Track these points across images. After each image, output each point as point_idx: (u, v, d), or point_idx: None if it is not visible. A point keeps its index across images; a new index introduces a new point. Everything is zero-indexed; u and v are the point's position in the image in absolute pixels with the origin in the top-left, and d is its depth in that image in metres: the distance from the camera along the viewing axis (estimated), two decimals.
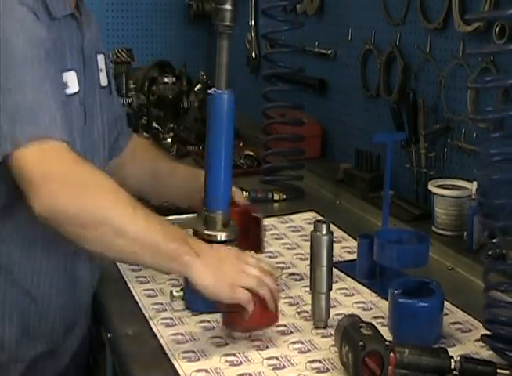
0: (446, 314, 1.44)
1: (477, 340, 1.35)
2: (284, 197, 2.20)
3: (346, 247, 1.83)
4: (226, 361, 1.30)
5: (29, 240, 1.38)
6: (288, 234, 1.92)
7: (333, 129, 2.57)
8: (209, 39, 3.58)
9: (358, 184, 2.22)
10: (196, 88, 2.89)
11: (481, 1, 1.77)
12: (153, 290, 1.59)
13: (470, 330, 1.41)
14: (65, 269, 1.43)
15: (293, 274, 1.67)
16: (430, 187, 1.87)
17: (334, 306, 1.49)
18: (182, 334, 1.39)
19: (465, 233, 1.74)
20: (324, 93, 2.60)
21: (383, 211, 1.74)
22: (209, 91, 1.47)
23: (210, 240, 1.43)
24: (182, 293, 1.48)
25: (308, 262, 1.44)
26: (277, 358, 1.31)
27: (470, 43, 1.86)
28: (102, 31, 1.61)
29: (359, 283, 1.62)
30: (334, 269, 1.52)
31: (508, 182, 1.27)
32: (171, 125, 2.80)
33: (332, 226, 1.44)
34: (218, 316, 1.45)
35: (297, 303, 1.52)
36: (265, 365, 1.29)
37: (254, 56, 3.09)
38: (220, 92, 1.45)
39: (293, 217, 2.03)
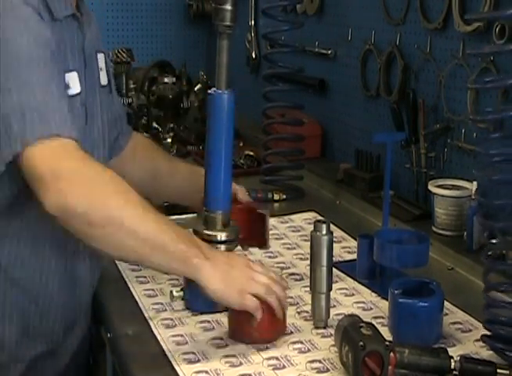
0: (446, 314, 1.44)
1: (477, 340, 1.35)
2: (284, 197, 2.20)
3: (346, 247, 1.83)
4: (226, 362, 1.30)
5: (32, 239, 1.37)
6: (288, 234, 1.92)
7: (333, 129, 2.57)
8: (209, 39, 3.58)
9: (358, 184, 2.22)
10: (196, 88, 2.90)
11: (481, 1, 1.77)
12: (153, 290, 1.58)
13: (470, 330, 1.41)
14: (65, 268, 1.43)
15: (293, 274, 1.67)
16: (430, 187, 1.87)
17: (334, 306, 1.49)
18: (181, 335, 1.39)
19: (465, 233, 1.74)
20: (324, 93, 2.60)
21: (383, 211, 1.74)
22: (209, 91, 1.47)
23: (210, 240, 1.43)
24: (182, 293, 1.48)
25: (308, 262, 1.44)
26: (277, 358, 1.31)
27: (470, 43, 1.86)
28: (102, 31, 1.61)
29: (359, 283, 1.62)
30: (334, 269, 1.52)
31: (508, 183, 1.27)
32: (171, 125, 2.80)
33: (332, 226, 1.44)
34: (218, 317, 1.45)
35: (297, 303, 1.52)
36: (265, 365, 1.29)
37: (254, 56, 3.09)
38: (220, 92, 1.45)
39: (293, 217, 2.03)
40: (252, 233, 1.58)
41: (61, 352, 1.49)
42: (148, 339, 1.39)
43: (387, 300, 1.43)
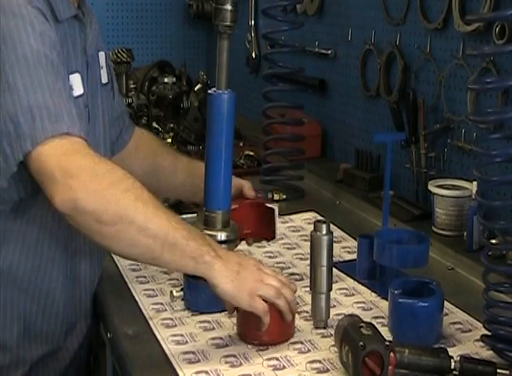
0: (446, 314, 1.44)
1: (477, 340, 1.35)
2: (284, 197, 2.20)
3: (346, 247, 1.83)
4: (226, 362, 1.30)
5: (35, 241, 1.38)
6: (288, 234, 1.92)
7: (333, 129, 2.57)
8: (209, 39, 3.58)
9: (358, 184, 2.22)
10: (196, 88, 2.89)
11: (481, 1, 1.77)
12: (153, 290, 1.58)
13: (470, 330, 1.41)
14: (67, 268, 1.43)
15: (293, 274, 1.67)
16: (430, 187, 1.87)
17: (334, 306, 1.49)
18: (181, 335, 1.39)
19: (465, 233, 1.74)
20: (324, 93, 2.60)
21: (383, 211, 1.74)
22: (209, 91, 1.47)
23: None
24: (182, 293, 1.48)
25: (308, 262, 1.44)
26: (277, 358, 1.31)
27: (470, 43, 1.86)
28: (102, 31, 1.61)
29: (359, 283, 1.62)
30: (334, 269, 1.52)
31: (508, 184, 1.27)
32: (171, 125, 2.80)
33: (332, 226, 1.44)
34: (218, 317, 1.45)
35: (297, 303, 1.52)
36: (265, 366, 1.29)
37: (254, 56, 3.09)
38: (220, 92, 1.45)
39: (293, 217, 2.03)
40: (261, 227, 1.60)
41: (62, 352, 1.49)
42: (148, 339, 1.39)
43: (387, 300, 1.43)
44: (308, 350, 1.34)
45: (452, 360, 1.21)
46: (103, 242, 1.26)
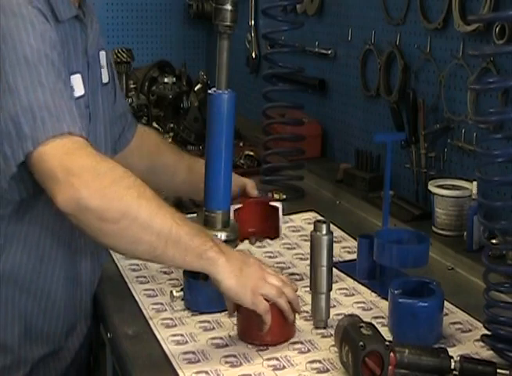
0: (446, 314, 1.44)
1: (477, 340, 1.35)
2: (284, 197, 2.20)
3: (346, 247, 1.83)
4: (226, 362, 1.30)
5: (37, 242, 1.37)
6: (288, 234, 1.92)
7: (333, 129, 2.57)
8: (209, 39, 3.58)
9: (358, 184, 2.22)
10: (196, 88, 2.90)
11: (481, 1, 1.77)
12: (153, 290, 1.58)
13: (470, 330, 1.41)
14: (68, 269, 1.43)
15: (293, 274, 1.67)
16: (430, 187, 1.87)
17: (334, 306, 1.49)
18: (181, 335, 1.39)
19: (465, 233, 1.74)
20: (324, 93, 2.60)
21: (383, 211, 1.74)
22: (209, 91, 1.47)
23: None
24: (182, 293, 1.48)
25: (308, 262, 1.44)
26: (277, 358, 1.31)
27: (470, 43, 1.86)
28: (102, 31, 1.61)
29: (359, 283, 1.62)
30: (334, 269, 1.52)
31: (509, 184, 1.27)
32: (171, 125, 2.80)
33: (332, 226, 1.44)
34: (218, 317, 1.45)
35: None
36: (265, 366, 1.29)
37: (254, 56, 3.09)
38: (220, 92, 1.45)
39: (293, 217, 2.03)
40: (265, 226, 1.61)
41: (63, 352, 1.49)
42: (148, 339, 1.39)
43: (387, 300, 1.43)
44: (308, 350, 1.34)
45: (452, 360, 1.21)
46: (106, 240, 1.26)
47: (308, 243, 1.43)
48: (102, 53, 1.54)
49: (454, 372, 1.21)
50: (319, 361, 1.30)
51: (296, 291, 1.37)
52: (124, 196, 1.23)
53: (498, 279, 1.37)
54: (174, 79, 2.89)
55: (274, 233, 1.63)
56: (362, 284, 1.62)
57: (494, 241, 1.47)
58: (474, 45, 1.84)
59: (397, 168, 2.08)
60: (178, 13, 3.62)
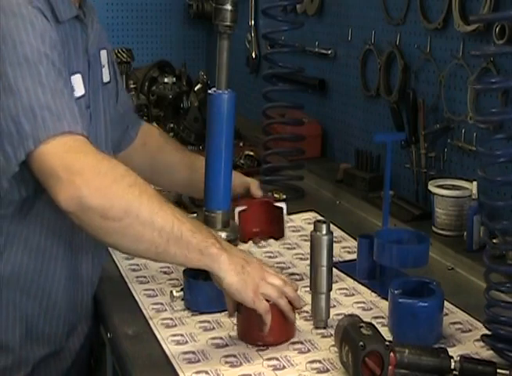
0: (446, 314, 1.44)
1: (477, 340, 1.35)
2: (284, 197, 2.20)
3: (346, 247, 1.83)
4: (226, 362, 1.30)
5: (38, 242, 1.37)
6: (288, 234, 1.91)
7: (333, 129, 2.57)
8: (209, 39, 3.58)
9: (358, 184, 2.22)
10: (196, 88, 2.90)
11: (481, 1, 1.77)
12: (153, 290, 1.58)
13: (470, 330, 1.41)
14: (70, 269, 1.43)
15: (293, 274, 1.67)
16: (430, 187, 1.87)
17: (334, 306, 1.49)
18: (181, 335, 1.39)
19: (465, 233, 1.74)
20: (324, 93, 2.60)
21: (383, 211, 1.74)
22: (209, 91, 1.47)
23: None
24: (182, 293, 1.48)
25: (308, 262, 1.44)
26: (277, 358, 1.31)
27: (470, 43, 1.86)
28: (104, 30, 1.60)
29: (359, 283, 1.62)
30: (334, 269, 1.52)
31: (510, 184, 1.28)
32: (171, 125, 2.80)
33: (332, 226, 1.44)
34: (218, 317, 1.45)
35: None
36: (265, 366, 1.29)
37: (254, 56, 3.09)
38: (220, 92, 1.45)
39: (293, 217, 2.03)
40: (270, 226, 1.61)
41: (64, 353, 1.49)
42: (148, 339, 1.39)
43: (387, 300, 1.42)
44: (308, 350, 1.34)
45: (452, 360, 1.21)
46: (108, 239, 1.26)
47: (308, 243, 1.43)
48: (103, 52, 1.54)
49: (454, 372, 1.21)
50: (319, 361, 1.30)
51: (296, 291, 1.37)
52: (125, 194, 1.23)
53: (498, 279, 1.37)
54: (174, 79, 2.89)
55: (278, 234, 1.63)
56: (362, 284, 1.62)
57: (494, 241, 1.47)
58: (474, 45, 1.84)
59: (397, 168, 2.08)
60: (178, 13, 3.62)
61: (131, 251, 1.32)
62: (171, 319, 1.45)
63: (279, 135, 2.32)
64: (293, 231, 1.94)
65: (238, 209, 1.55)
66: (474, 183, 1.74)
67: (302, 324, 1.43)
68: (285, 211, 1.61)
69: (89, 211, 1.21)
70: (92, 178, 1.21)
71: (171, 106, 2.87)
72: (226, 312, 1.39)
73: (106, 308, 1.53)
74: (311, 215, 2.03)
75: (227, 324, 1.42)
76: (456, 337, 1.39)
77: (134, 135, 1.73)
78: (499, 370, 1.20)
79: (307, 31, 2.53)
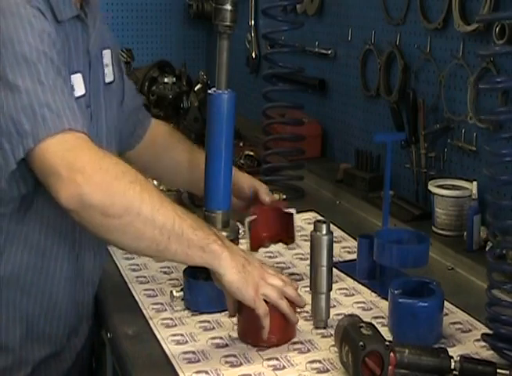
0: (446, 314, 1.44)
1: (477, 340, 1.35)
2: (284, 197, 2.20)
3: (346, 247, 1.83)
4: (226, 362, 1.30)
5: (37, 242, 1.37)
6: None
7: (333, 129, 2.57)
8: (209, 39, 3.58)
9: (358, 184, 2.22)
10: (196, 88, 2.89)
11: (481, 1, 1.77)
12: (153, 290, 1.59)
13: (470, 330, 1.41)
14: (71, 270, 1.42)
15: (293, 274, 1.68)
16: (430, 187, 1.87)
17: (334, 306, 1.49)
18: (181, 335, 1.39)
19: (465, 233, 1.74)
20: (324, 93, 2.60)
21: (383, 211, 1.74)
22: (209, 91, 1.47)
23: None
24: (182, 293, 1.48)
25: (308, 262, 1.44)
26: (277, 358, 1.31)
27: (470, 43, 1.86)
28: (109, 30, 1.60)
29: (359, 283, 1.62)
30: (334, 269, 1.52)
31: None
32: (171, 125, 2.79)
33: (332, 226, 1.44)
34: (218, 317, 1.45)
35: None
36: (265, 366, 1.29)
37: (254, 56, 3.09)
38: (220, 92, 1.45)
39: None
40: (279, 231, 1.61)
41: (65, 354, 1.49)
42: (148, 339, 1.39)
43: (387, 300, 1.43)
44: (308, 350, 1.34)
45: (452, 360, 1.21)
46: (109, 236, 1.26)
47: (308, 243, 1.43)
48: (107, 52, 1.53)
49: (454, 372, 1.21)
50: (319, 361, 1.30)
51: (296, 290, 1.37)
52: (126, 191, 1.23)
53: (498, 279, 1.37)
54: (174, 79, 2.89)
55: (289, 239, 1.62)
56: (362, 284, 1.62)
57: (499, 240, 1.46)
58: (474, 45, 1.84)
59: (397, 168, 2.08)
60: (178, 13, 3.62)
61: (132, 249, 1.32)
62: (171, 319, 1.45)
63: (279, 135, 2.32)
64: None
65: (248, 219, 1.55)
66: (474, 183, 1.74)
67: (302, 324, 1.43)
68: (295, 217, 1.60)
69: (90, 209, 1.21)
70: (93, 176, 1.21)
71: (171, 106, 2.86)
72: (226, 312, 1.39)
73: (106, 308, 1.53)
74: (311, 215, 2.03)
75: (227, 324, 1.42)
76: (456, 337, 1.39)
77: (142, 133, 1.72)
78: (499, 370, 1.20)
79: (307, 31, 2.53)
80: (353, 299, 1.55)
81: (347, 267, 1.69)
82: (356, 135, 2.41)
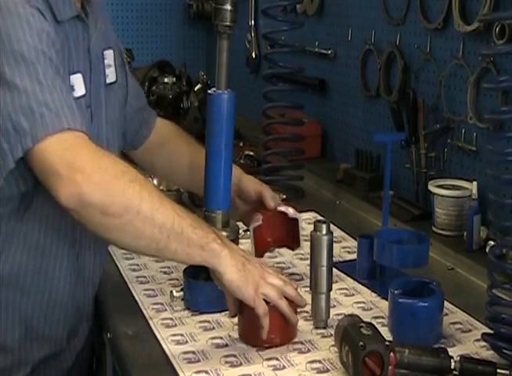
0: (446, 314, 1.44)
1: (477, 340, 1.35)
2: (284, 197, 2.20)
3: (346, 247, 1.83)
4: (226, 362, 1.30)
5: (37, 239, 1.36)
6: None
7: (333, 129, 2.57)
8: (209, 39, 3.58)
9: (358, 184, 2.22)
10: (196, 88, 2.89)
11: (481, 1, 1.77)
12: (153, 290, 1.59)
13: (470, 330, 1.41)
14: (71, 270, 1.42)
15: (293, 274, 1.68)
16: (430, 187, 1.87)
17: (334, 306, 1.49)
18: (181, 335, 1.39)
19: (465, 233, 1.74)
20: (324, 93, 2.60)
21: (383, 211, 1.74)
22: (209, 91, 1.47)
23: None
24: (182, 293, 1.48)
25: (308, 262, 1.44)
26: (277, 358, 1.31)
27: (470, 43, 1.86)
28: (112, 31, 1.60)
29: (359, 283, 1.62)
30: (334, 269, 1.52)
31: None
32: None
33: (332, 226, 1.44)
34: (218, 317, 1.45)
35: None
36: (265, 366, 1.29)
37: (254, 56, 3.09)
38: (220, 92, 1.45)
39: None
40: (285, 236, 1.60)
41: (65, 354, 1.48)
42: (148, 339, 1.39)
43: (387, 300, 1.43)
44: (308, 350, 1.34)
45: (452, 360, 1.21)
46: (108, 235, 1.26)
47: (308, 243, 1.43)
48: (109, 52, 1.52)
49: (454, 372, 1.21)
50: (319, 361, 1.30)
51: (296, 288, 1.37)
52: (126, 190, 1.23)
53: (499, 278, 1.37)
54: (174, 79, 2.89)
55: (294, 244, 1.62)
56: (362, 284, 1.62)
57: (496, 240, 1.46)
58: (474, 45, 1.84)
59: (397, 168, 2.08)
60: (178, 13, 3.62)
61: (132, 248, 1.32)
62: (171, 319, 1.45)
63: (279, 135, 2.32)
64: None
65: (253, 225, 1.55)
66: (474, 183, 1.74)
67: (302, 324, 1.42)
68: (300, 222, 1.59)
69: (89, 208, 1.21)
70: (93, 175, 1.21)
71: (171, 106, 2.86)
72: (226, 312, 1.39)
73: (106, 308, 1.53)
74: (311, 215, 2.03)
75: (227, 324, 1.42)
76: (456, 337, 1.39)
77: (147, 133, 1.72)
78: (499, 370, 1.20)
79: (307, 31, 2.53)
80: (353, 299, 1.55)
81: (347, 267, 1.69)
82: (356, 135, 2.41)
